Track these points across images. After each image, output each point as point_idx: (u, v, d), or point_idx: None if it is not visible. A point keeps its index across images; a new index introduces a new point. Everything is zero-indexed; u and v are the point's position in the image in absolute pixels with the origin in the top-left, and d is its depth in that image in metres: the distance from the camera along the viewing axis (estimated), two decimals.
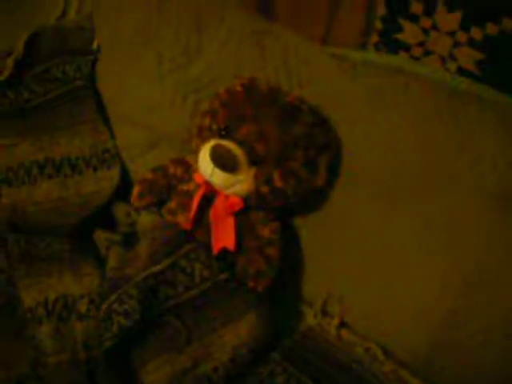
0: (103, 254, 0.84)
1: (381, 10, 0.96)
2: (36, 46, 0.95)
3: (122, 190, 0.90)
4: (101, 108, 0.95)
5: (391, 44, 0.97)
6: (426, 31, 0.93)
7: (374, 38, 0.99)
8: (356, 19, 1.00)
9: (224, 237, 0.77)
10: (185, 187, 0.82)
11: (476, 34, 0.88)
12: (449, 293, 0.76)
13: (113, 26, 0.96)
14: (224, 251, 0.77)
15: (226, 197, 0.77)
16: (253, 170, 0.75)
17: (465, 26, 0.89)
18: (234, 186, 0.76)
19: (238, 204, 0.77)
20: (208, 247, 0.77)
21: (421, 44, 0.94)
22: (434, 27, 0.92)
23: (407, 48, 0.96)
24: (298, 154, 0.75)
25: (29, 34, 0.95)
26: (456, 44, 0.91)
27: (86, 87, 0.95)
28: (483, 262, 0.75)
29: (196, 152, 0.79)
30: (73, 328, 0.73)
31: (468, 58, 0.90)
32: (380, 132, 0.81)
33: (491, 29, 0.86)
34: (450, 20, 0.90)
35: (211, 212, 0.78)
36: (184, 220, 0.79)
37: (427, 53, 0.94)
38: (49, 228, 0.86)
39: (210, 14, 0.92)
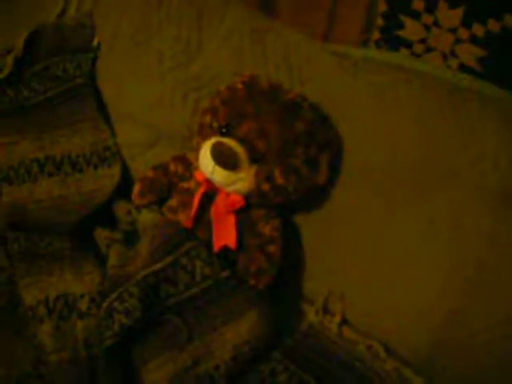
0: (104, 252, 0.83)
1: (382, 7, 0.96)
2: (36, 44, 0.95)
3: (123, 188, 0.90)
4: (101, 106, 0.94)
5: (392, 41, 0.97)
6: (427, 28, 0.92)
7: (376, 35, 0.99)
8: (357, 16, 1.00)
9: (225, 235, 0.77)
10: (185, 185, 0.82)
11: (478, 30, 0.88)
12: (450, 291, 0.76)
13: (113, 23, 0.96)
14: (225, 249, 0.77)
15: (227, 194, 0.77)
16: (254, 168, 0.75)
17: (466, 23, 0.88)
18: (235, 183, 0.76)
19: (239, 202, 0.77)
20: (209, 245, 0.77)
21: (422, 41, 0.94)
22: (436, 24, 0.91)
23: (408, 45, 0.96)
24: (298, 152, 0.75)
25: (29, 32, 0.95)
26: (458, 41, 0.90)
27: (87, 85, 0.94)
28: (485, 261, 0.74)
29: (197, 150, 0.79)
30: (74, 326, 0.73)
31: (470, 54, 0.90)
32: (381, 129, 0.80)
33: (493, 25, 0.86)
34: (451, 16, 0.89)
35: (212, 210, 0.77)
36: (185, 218, 0.79)
37: (429, 50, 0.94)
38: (49, 226, 0.86)
39: (210, 11, 0.92)
